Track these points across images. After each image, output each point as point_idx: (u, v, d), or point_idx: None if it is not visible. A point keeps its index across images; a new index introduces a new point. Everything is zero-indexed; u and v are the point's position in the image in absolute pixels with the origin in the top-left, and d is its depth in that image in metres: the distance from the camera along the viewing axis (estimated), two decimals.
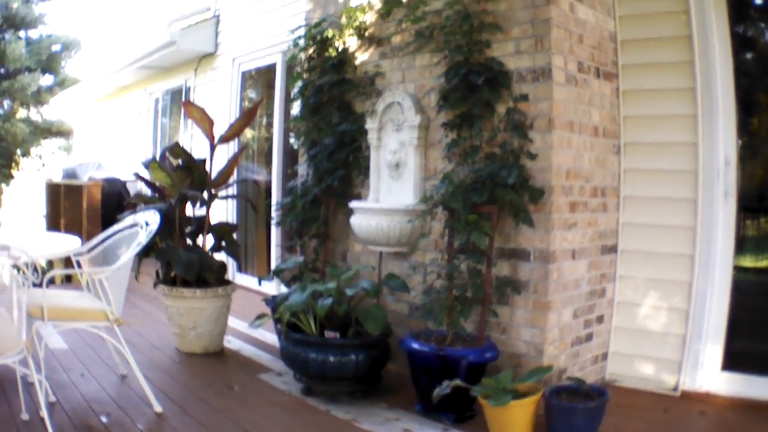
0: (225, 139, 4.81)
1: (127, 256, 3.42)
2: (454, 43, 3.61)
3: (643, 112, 3.87)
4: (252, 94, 7.72)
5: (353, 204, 4.11)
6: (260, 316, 3.82)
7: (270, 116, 7.15)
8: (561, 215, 3.46)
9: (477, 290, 3.40)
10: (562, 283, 3.49)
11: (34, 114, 25.03)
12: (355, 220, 4.04)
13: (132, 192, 9.66)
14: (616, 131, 3.90)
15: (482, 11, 3.59)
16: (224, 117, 7.45)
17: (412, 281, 3.85)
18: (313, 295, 3.55)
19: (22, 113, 24.00)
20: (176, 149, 4.76)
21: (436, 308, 3.40)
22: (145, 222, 3.57)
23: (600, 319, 3.86)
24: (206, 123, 4.72)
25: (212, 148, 4.76)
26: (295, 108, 5.02)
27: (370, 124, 4.15)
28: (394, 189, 4.05)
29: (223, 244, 4.78)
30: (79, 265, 3.86)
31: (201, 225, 4.74)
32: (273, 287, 6.06)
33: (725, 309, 3.62)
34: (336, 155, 4.32)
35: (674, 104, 3.75)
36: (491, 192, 3.36)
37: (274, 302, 4.10)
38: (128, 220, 3.77)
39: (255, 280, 6.15)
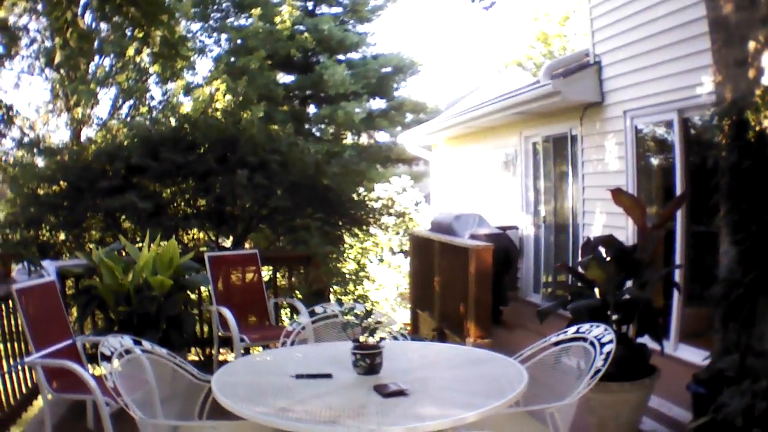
0: (657, 227, 6.49)
1: (583, 388, 4.01)
2: None
3: None
4: (642, 148, 9.29)
5: None
6: (696, 419, 5.22)
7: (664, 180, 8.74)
8: None
9: None
10: None
11: (366, 141, 29.41)
12: None
13: (516, 242, 11.95)
14: None
15: None
16: (618, 175, 9.23)
17: None
18: (753, 397, 4.85)
19: (349, 140, 28.34)
20: (609, 240, 6.51)
21: None
22: (598, 341, 4.27)
23: None
24: (637, 211, 6.40)
25: (642, 236, 6.48)
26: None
27: None
28: None
29: (648, 327, 6.47)
30: None
31: (629, 312, 6.22)
32: (669, 346, 7.51)
33: None
34: (763, 243, 5.71)
35: None
36: None
37: (698, 388, 5.49)
38: (571, 330, 4.56)
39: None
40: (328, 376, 4.08)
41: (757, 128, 5.84)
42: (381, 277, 18.74)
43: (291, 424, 3.36)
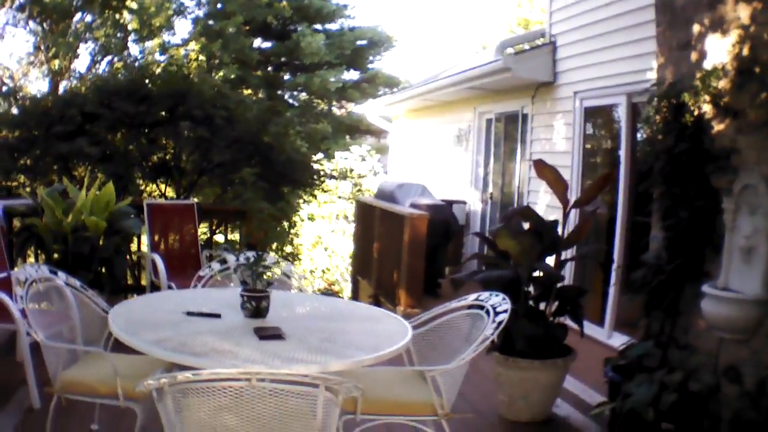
0: (579, 204, 6.18)
1: (468, 354, 3.93)
2: None
3: None
4: (590, 130, 9.07)
5: (705, 288, 5.09)
6: (601, 405, 4.98)
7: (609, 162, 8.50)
8: None
9: None
10: None
11: (337, 111, 29.10)
12: (704, 305, 5.04)
13: (459, 218, 11.67)
14: None
15: None
16: (564, 156, 8.98)
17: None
18: (660, 388, 4.63)
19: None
20: (527, 212, 6.22)
21: None
22: (493, 308, 4.15)
23: None
24: (559, 186, 6.07)
25: (566, 213, 6.12)
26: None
27: (726, 204, 5.12)
28: (743, 274, 4.98)
29: (568, 308, 6.12)
30: None
31: (546, 289, 5.93)
32: (602, 333, 7.45)
33: None
34: (691, 231, 5.43)
35: None
36: None
37: (615, 375, 5.26)
38: (471, 297, 4.44)
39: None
40: (217, 316, 4.08)
41: (696, 112, 5.59)
42: (335, 244, 18.50)
43: (163, 353, 3.41)
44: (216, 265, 5.62)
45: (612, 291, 7.86)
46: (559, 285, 5.95)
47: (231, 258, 5.45)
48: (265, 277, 4.09)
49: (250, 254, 4.20)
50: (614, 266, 7.69)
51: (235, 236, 9.99)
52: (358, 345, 3.83)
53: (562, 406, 6.02)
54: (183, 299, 4.72)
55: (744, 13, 5.20)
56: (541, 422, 5.71)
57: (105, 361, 4.04)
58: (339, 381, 2.98)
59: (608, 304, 7.93)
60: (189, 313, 4.08)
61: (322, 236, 18.44)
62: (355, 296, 11.79)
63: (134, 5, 21.37)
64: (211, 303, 4.41)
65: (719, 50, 5.41)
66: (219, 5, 25.48)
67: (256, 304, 4.02)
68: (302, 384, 2.91)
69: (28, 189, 9.84)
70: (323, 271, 18.27)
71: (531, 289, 5.93)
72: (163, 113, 10.04)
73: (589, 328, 6.60)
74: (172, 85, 10.43)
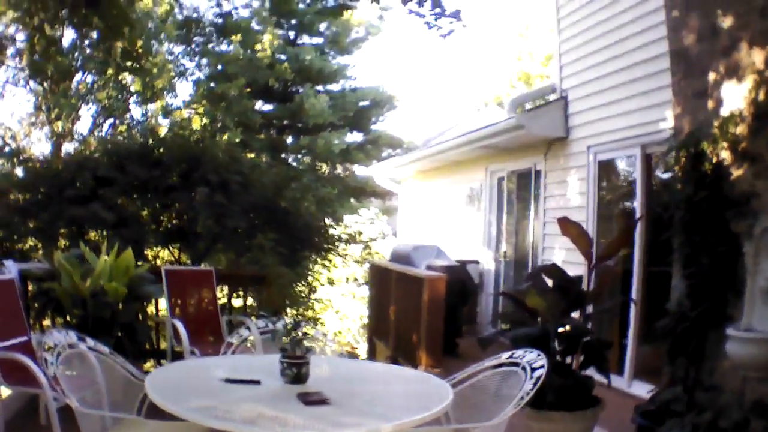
0: (601, 258, 6.28)
1: (509, 410, 3.97)
2: None
3: None
4: (604, 183, 9.18)
5: (729, 331, 5.17)
6: None
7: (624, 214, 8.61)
8: None
9: None
10: None
11: (342, 173, 29.29)
12: (729, 346, 5.12)
13: (474, 277, 11.78)
14: None
15: None
16: (579, 210, 9.10)
17: None
18: (692, 429, 4.73)
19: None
20: (552, 269, 6.36)
21: None
22: (530, 365, 4.23)
23: None
24: (583, 242, 6.21)
25: (590, 268, 6.24)
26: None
27: (747, 248, 5.25)
28: (765, 315, 5.09)
29: (594, 360, 6.29)
30: None
31: (573, 343, 6.06)
32: (623, 383, 7.52)
33: None
34: (713, 277, 5.55)
35: None
36: None
37: (642, 420, 5.35)
38: (504, 355, 4.49)
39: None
40: (257, 382, 4.07)
41: (714, 160, 5.73)
42: (345, 307, 18.57)
43: (212, 422, 3.40)
44: (245, 332, 5.68)
45: (630, 341, 7.95)
46: (586, 340, 6.09)
47: (260, 324, 5.55)
48: (304, 343, 4.12)
49: (288, 321, 4.30)
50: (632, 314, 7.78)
51: (249, 301, 10.02)
52: (402, 406, 3.90)
53: None
54: (217, 366, 4.78)
55: (759, 57, 5.38)
56: None
57: (140, 428, 4.10)
58: None
59: (627, 354, 8.00)
60: (228, 380, 4.08)
61: (333, 300, 18.53)
62: (372, 357, 11.82)
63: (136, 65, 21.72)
64: (247, 369, 4.44)
65: (736, 96, 5.57)
66: (219, 67, 25.84)
67: (297, 370, 4.03)
68: None
69: (39, 252, 9.98)
70: (335, 335, 18.33)
71: (556, 344, 6.04)
72: (175, 178, 10.14)
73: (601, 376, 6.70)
74: (185, 150, 10.56)
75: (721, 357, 5.39)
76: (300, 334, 4.12)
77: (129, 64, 9.44)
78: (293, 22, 27.49)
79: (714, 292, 5.60)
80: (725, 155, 5.64)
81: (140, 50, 10.32)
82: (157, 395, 3.68)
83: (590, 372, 6.12)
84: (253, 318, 7.81)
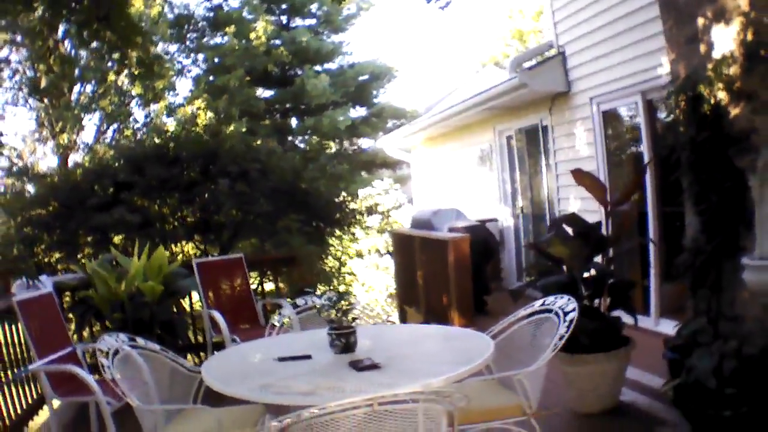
0: (617, 203, 6.62)
1: (548, 354, 4.27)
2: None
3: None
4: (610, 132, 9.49)
5: (744, 261, 5.50)
6: (668, 382, 5.35)
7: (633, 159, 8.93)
8: None
9: None
10: None
11: (349, 147, 29.54)
12: (746, 275, 5.45)
13: (495, 234, 12.13)
14: None
15: None
16: (589, 160, 9.42)
17: None
18: (720, 357, 5.03)
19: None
20: (572, 218, 6.69)
21: None
22: (562, 309, 4.51)
23: None
24: (598, 190, 6.54)
25: (607, 214, 6.60)
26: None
27: (752, 181, 5.55)
28: None
29: (620, 302, 6.60)
30: None
31: (599, 287, 6.41)
32: (650, 322, 7.87)
33: None
34: (723, 211, 5.89)
35: None
36: None
37: (672, 354, 5.61)
38: (537, 303, 4.76)
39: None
40: (308, 357, 4.26)
41: (712, 101, 5.99)
42: (370, 279, 18.88)
43: (273, 398, 3.58)
44: (287, 311, 5.95)
45: (652, 281, 8.30)
46: (611, 282, 6.39)
47: (316, 301, 5.69)
48: (350, 315, 4.35)
49: (332, 295, 4.51)
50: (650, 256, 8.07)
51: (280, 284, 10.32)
52: (447, 361, 4.13)
53: (626, 393, 6.43)
54: (266, 347, 4.94)
55: (743, 0, 5.66)
56: (611, 410, 6.15)
57: (201, 416, 4.34)
58: (451, 392, 3.27)
59: (651, 294, 8.35)
60: (281, 359, 4.24)
61: (357, 273, 18.84)
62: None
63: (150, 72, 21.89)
64: (295, 347, 4.60)
65: (726, 39, 5.84)
66: (217, 60, 26.10)
67: (345, 340, 4.21)
68: (417, 402, 3.16)
69: (67, 264, 10.22)
70: (363, 307, 18.60)
71: (583, 289, 6.35)
72: (193, 174, 10.38)
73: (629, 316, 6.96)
74: (200, 146, 10.80)
75: (740, 287, 5.69)
76: (346, 304, 4.35)
77: (144, 71, 9.58)
78: (284, 6, 27.69)
79: (726, 226, 5.90)
80: (722, 96, 5.90)
81: (153, 56, 10.48)
82: (216, 381, 3.88)
83: (618, 313, 6.44)
84: (288, 300, 8.16)
